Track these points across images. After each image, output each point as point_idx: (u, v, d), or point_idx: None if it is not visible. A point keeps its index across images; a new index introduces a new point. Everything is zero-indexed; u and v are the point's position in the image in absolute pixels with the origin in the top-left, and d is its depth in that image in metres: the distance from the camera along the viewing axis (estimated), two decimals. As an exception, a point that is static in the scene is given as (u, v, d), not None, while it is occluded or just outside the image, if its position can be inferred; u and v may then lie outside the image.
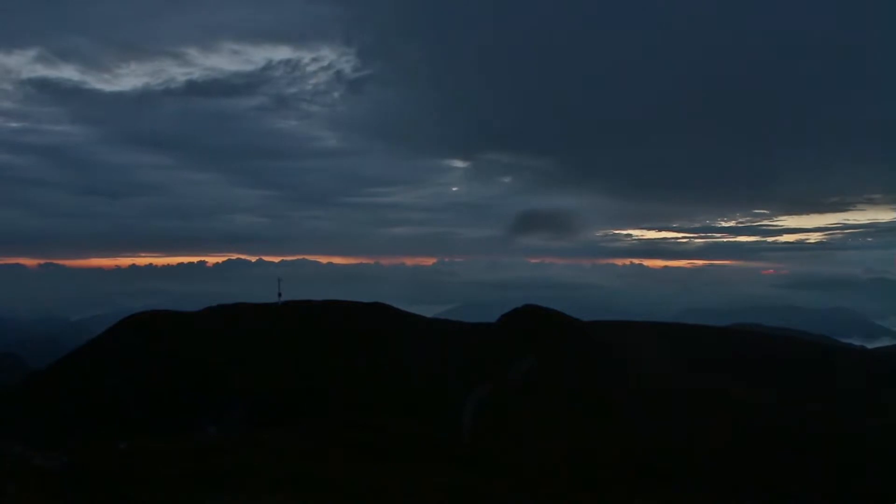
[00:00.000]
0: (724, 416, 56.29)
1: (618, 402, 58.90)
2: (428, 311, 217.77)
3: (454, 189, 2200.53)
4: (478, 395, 56.16)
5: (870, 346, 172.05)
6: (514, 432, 46.23)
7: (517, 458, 33.27)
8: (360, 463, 24.23)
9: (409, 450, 28.97)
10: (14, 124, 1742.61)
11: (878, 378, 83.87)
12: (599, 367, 72.14)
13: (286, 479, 19.46)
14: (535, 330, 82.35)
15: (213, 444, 24.27)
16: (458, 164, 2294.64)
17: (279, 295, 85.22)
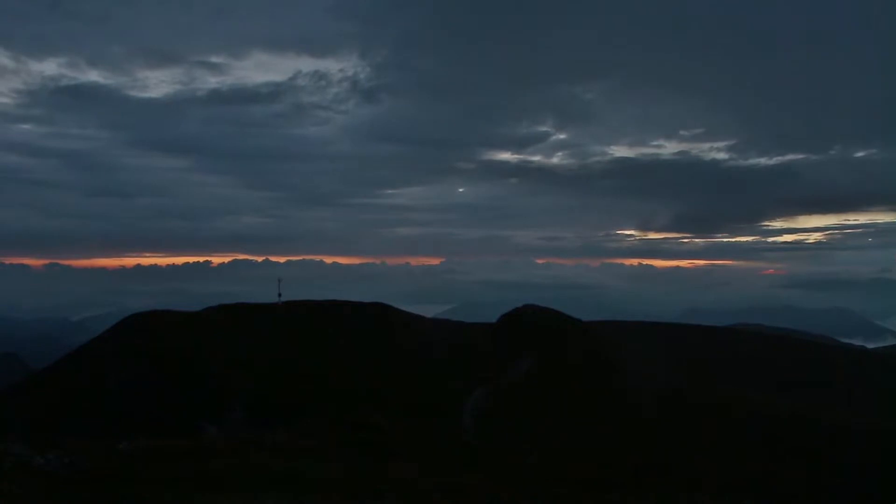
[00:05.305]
0: (724, 417, 56.25)
1: (617, 402, 58.87)
2: (429, 311, 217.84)
3: (460, 190, 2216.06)
4: (478, 395, 56.18)
5: (870, 346, 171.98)
6: (514, 432, 46.22)
7: (517, 458, 33.25)
8: (360, 463, 24.22)
9: (409, 450, 28.95)
10: (41, 129, 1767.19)
11: (879, 378, 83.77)
12: (599, 367, 72.10)
13: (286, 479, 19.43)
14: (534, 330, 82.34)
15: (213, 444, 24.23)
16: (465, 165, 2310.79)
17: (279, 295, 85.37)
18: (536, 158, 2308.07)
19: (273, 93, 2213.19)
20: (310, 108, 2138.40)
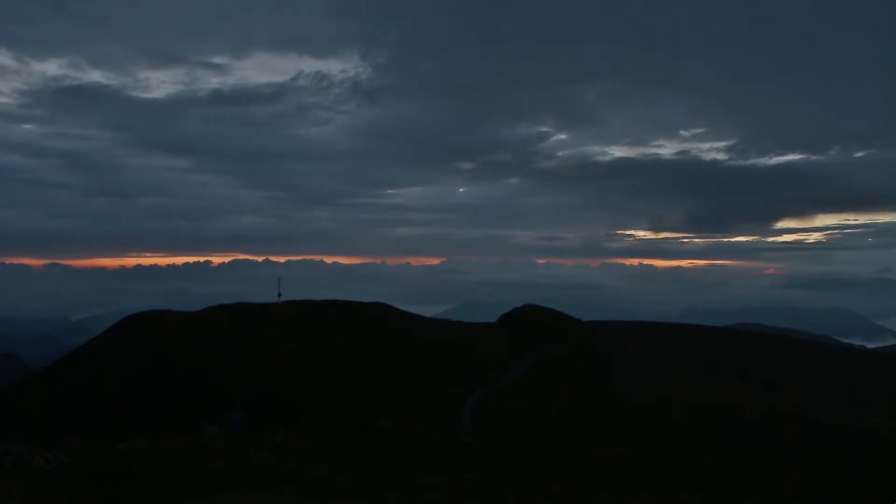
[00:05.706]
0: (724, 417, 56.22)
1: (618, 402, 58.82)
2: (429, 310, 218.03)
3: (460, 190, 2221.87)
4: (478, 395, 56.13)
5: (870, 345, 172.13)
6: (513, 433, 46.20)
7: (517, 458, 33.24)
8: (360, 463, 24.22)
9: (409, 450, 28.96)
10: (42, 129, 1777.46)
11: (879, 378, 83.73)
12: (599, 367, 72.08)
13: (286, 479, 19.43)
14: (534, 330, 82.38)
15: (214, 444, 24.22)
16: (465, 165, 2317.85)
17: (279, 295, 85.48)
18: (536, 158, 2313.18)
19: (275, 93, 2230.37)
20: (311, 109, 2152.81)
